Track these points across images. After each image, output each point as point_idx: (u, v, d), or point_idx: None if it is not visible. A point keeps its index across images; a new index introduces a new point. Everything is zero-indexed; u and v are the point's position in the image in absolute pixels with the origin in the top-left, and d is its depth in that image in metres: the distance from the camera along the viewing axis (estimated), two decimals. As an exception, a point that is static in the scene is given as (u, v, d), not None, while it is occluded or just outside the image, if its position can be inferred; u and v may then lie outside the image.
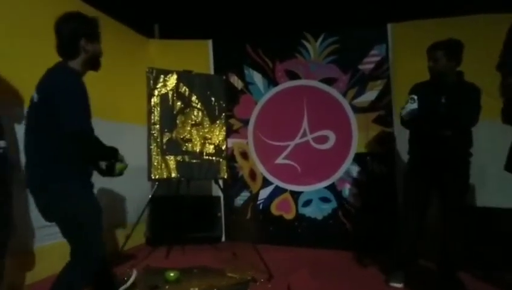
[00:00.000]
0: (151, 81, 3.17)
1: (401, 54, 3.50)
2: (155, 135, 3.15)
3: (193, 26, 4.58)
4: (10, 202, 2.18)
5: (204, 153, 3.33)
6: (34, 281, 2.54)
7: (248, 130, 4.03)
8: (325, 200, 3.76)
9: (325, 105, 3.76)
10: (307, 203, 3.81)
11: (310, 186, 3.80)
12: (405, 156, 2.80)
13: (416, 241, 2.59)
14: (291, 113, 3.87)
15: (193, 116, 3.34)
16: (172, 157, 3.19)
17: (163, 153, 3.16)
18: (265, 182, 3.96)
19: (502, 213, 2.87)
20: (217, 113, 3.43)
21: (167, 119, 3.21)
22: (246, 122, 4.03)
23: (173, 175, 3.18)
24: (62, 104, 1.63)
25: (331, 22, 3.98)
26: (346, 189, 3.69)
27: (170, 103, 3.24)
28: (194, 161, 3.28)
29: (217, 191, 3.92)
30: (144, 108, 3.18)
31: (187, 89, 3.33)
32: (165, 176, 3.15)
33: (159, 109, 3.18)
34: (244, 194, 4.04)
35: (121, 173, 1.86)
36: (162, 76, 3.22)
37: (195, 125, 3.34)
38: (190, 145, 3.29)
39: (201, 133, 3.35)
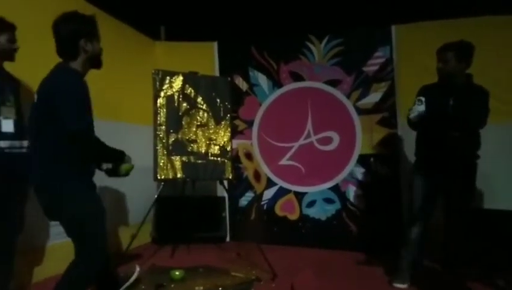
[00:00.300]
0: (157, 83, 3.21)
1: (405, 55, 3.50)
2: (161, 135, 3.19)
3: (199, 29, 4.62)
4: (25, 201, 2.24)
5: (210, 154, 3.36)
6: (47, 277, 2.58)
7: (253, 131, 4.06)
8: (329, 201, 3.77)
9: (329, 106, 3.78)
10: (311, 204, 3.83)
11: (314, 187, 3.82)
12: (410, 158, 2.80)
13: (423, 241, 2.59)
14: (295, 114, 3.89)
15: (198, 117, 3.38)
16: (178, 157, 3.23)
17: (169, 153, 3.20)
18: (270, 183, 3.99)
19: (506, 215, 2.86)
20: (222, 115, 3.47)
21: (173, 120, 3.24)
22: (250, 124, 4.06)
23: (179, 175, 3.22)
24: (62, 104, 1.64)
25: (335, 24, 3.99)
26: (350, 190, 3.71)
27: (176, 104, 3.28)
28: (200, 161, 3.31)
29: (221, 192, 3.95)
30: (150, 109, 3.22)
31: (193, 91, 3.37)
32: (170, 177, 3.19)
33: (165, 110, 3.22)
34: (249, 195, 4.06)
35: (127, 174, 1.88)
36: (168, 77, 3.26)
37: (201, 126, 3.37)
38: (195, 146, 3.33)
39: (206, 134, 3.38)
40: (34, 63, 2.20)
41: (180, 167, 3.23)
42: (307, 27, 4.05)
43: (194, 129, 3.35)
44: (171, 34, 4.61)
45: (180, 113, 3.30)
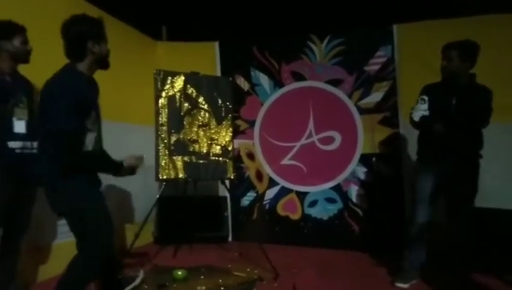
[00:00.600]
0: (159, 83, 3.22)
1: (406, 55, 3.49)
2: (162, 135, 3.19)
3: (200, 29, 4.62)
4: (32, 203, 2.26)
5: (211, 154, 3.37)
6: (52, 276, 2.57)
7: (254, 131, 4.06)
8: (330, 200, 3.77)
9: (331, 106, 3.78)
10: (313, 203, 3.83)
11: (315, 187, 3.82)
12: (412, 157, 2.79)
13: (424, 240, 2.59)
14: (297, 114, 3.89)
15: (200, 118, 3.38)
16: (179, 157, 3.23)
17: (171, 153, 3.20)
18: (272, 183, 3.99)
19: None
20: (223, 114, 3.47)
21: (174, 121, 3.25)
22: (252, 123, 4.07)
23: (180, 175, 3.22)
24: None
25: (337, 24, 3.98)
26: (352, 190, 3.70)
27: (177, 104, 3.28)
28: (201, 161, 3.32)
29: (223, 192, 3.95)
30: (152, 109, 3.23)
31: (194, 91, 3.37)
32: (172, 177, 3.19)
33: (166, 110, 3.22)
34: (251, 195, 4.06)
35: (132, 173, 1.92)
36: (169, 78, 3.26)
37: (202, 126, 3.38)
38: (197, 146, 3.33)
39: (208, 134, 3.38)
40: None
41: (181, 167, 3.23)
42: (308, 27, 4.04)
43: (196, 129, 3.35)
44: (172, 34, 4.62)
45: (182, 113, 3.30)
